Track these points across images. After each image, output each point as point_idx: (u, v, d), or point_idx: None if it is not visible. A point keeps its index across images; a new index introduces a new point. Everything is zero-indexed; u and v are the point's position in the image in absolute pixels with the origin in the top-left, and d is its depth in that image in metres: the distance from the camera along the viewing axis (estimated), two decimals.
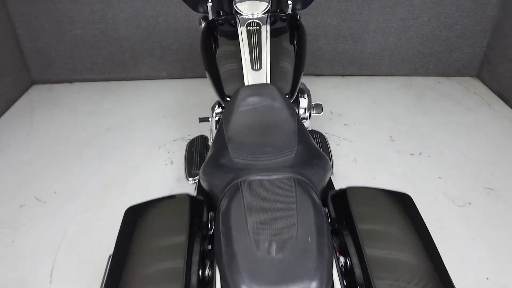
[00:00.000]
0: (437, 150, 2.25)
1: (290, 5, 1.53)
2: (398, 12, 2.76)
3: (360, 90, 2.86)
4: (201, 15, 1.63)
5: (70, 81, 2.99)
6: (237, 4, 1.33)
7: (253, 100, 1.12)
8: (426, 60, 2.98)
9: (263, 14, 1.31)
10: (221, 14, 1.54)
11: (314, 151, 1.00)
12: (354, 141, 2.30)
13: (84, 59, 2.90)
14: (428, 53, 2.94)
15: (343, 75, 3.05)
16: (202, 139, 1.84)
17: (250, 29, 1.28)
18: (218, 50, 1.29)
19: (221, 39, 1.32)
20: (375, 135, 2.37)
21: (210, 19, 1.41)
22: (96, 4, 2.69)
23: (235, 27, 1.31)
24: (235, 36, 1.29)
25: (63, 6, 2.69)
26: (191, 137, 2.27)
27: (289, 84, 1.24)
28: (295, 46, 1.32)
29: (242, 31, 1.28)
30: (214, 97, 1.30)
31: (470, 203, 1.90)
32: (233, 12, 1.35)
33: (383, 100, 2.73)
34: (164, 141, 2.27)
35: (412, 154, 2.23)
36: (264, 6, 1.33)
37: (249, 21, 1.30)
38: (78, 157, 2.18)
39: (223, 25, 1.38)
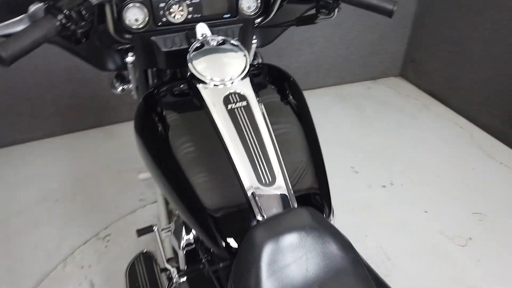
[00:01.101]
0: (405, 175, 1.97)
1: (254, 45, 1.02)
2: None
3: None
4: (112, 73, 1.01)
5: None
6: (194, 63, 0.75)
7: (287, 248, 0.60)
8: (352, 66, 2.72)
9: (243, 78, 0.76)
10: (156, 71, 0.95)
11: None
12: None
13: None
14: (354, 58, 2.68)
15: None
16: (147, 260, 1.20)
17: (233, 109, 0.72)
18: (177, 152, 0.70)
19: (176, 129, 0.73)
20: (335, 168, 1.99)
21: (147, 91, 0.80)
22: None
23: (197, 99, 0.74)
24: (201, 120, 0.72)
25: None
26: (112, 234, 1.59)
27: (319, 193, 0.73)
28: (299, 118, 0.81)
29: (219, 116, 0.71)
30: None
31: (471, 239, 1.64)
32: (187, 77, 0.78)
33: (322, 119, 2.37)
34: (71, 247, 1.53)
35: (384, 186, 1.91)
36: (242, 62, 0.77)
37: (227, 93, 0.74)
38: None
39: (167, 97, 0.79)
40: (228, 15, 0.87)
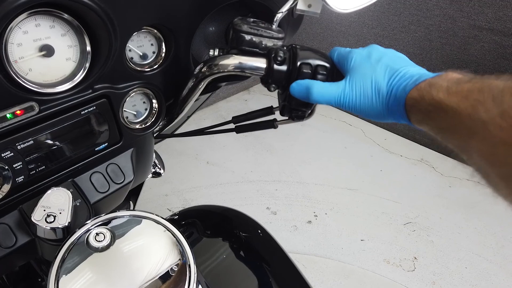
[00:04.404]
0: (326, 201, 1.75)
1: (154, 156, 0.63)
2: None
3: None
4: None
5: None
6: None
7: None
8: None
9: None
10: None
11: None
12: None
13: None
14: None
15: None
16: None
17: None
18: None
19: None
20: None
21: None
22: None
23: None
24: None
25: None
26: None
27: None
28: None
29: None
30: None
31: (416, 258, 1.51)
32: None
33: (211, 154, 1.98)
34: None
35: (310, 222, 1.65)
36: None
37: None
38: None
39: None
40: (102, 146, 0.44)
